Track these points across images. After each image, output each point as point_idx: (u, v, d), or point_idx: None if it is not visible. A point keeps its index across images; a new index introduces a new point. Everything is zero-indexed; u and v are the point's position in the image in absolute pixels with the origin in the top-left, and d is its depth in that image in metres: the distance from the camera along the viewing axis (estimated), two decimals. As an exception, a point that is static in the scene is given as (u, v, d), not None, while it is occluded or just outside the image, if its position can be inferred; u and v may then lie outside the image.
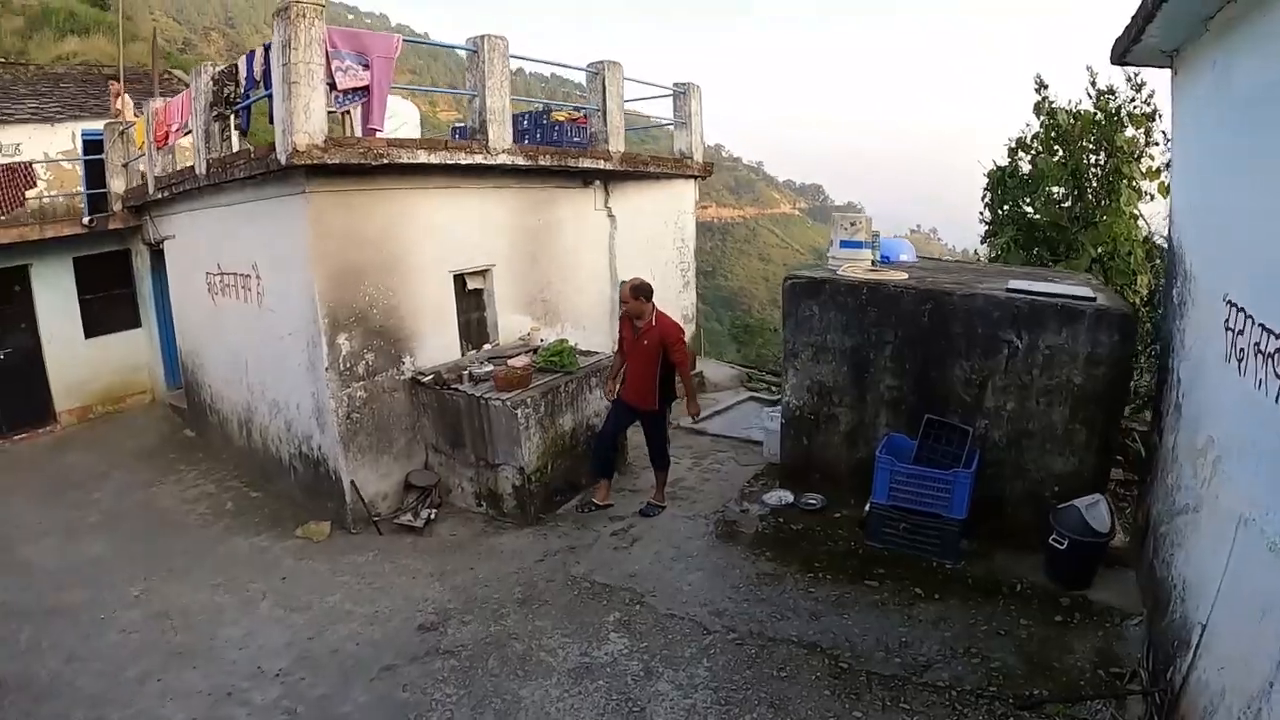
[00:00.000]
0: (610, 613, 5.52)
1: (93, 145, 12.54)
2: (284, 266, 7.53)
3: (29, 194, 11.38)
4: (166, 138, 9.50)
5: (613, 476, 7.54)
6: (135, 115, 12.09)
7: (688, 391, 7.02)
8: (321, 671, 5.14)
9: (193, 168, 8.51)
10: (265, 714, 4.75)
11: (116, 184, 11.77)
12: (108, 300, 12.40)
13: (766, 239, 76.00)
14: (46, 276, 11.71)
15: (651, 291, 6.93)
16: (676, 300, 11.79)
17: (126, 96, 12.31)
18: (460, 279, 8.45)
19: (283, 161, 6.46)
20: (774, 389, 11.62)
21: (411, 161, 7.20)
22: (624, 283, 7.06)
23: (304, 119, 6.36)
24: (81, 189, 12.26)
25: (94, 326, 12.24)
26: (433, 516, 7.44)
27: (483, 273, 8.74)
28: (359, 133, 7.49)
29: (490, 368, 7.60)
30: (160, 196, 9.83)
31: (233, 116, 8.16)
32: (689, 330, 11.90)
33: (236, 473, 9.25)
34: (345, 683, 4.98)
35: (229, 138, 8.21)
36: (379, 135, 7.20)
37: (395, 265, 7.59)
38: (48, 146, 13.39)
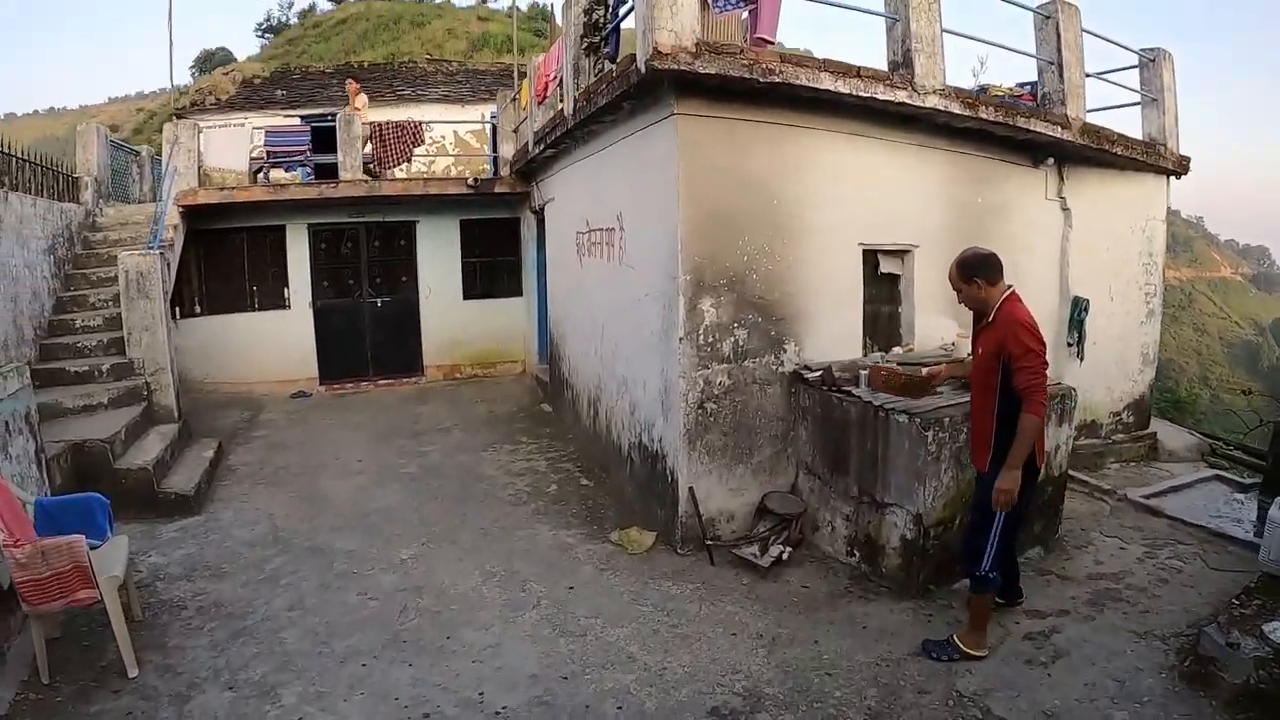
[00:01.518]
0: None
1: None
2: (647, 212, 6.21)
3: (416, 151, 11.73)
4: (545, 89, 9.01)
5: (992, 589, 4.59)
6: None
7: (1017, 444, 4.01)
8: (555, 731, 3.84)
9: (562, 110, 7.71)
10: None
11: (505, 149, 11.74)
12: (490, 266, 12.48)
13: (1203, 306, 65.15)
14: (432, 235, 11.99)
15: (991, 268, 4.20)
16: (1137, 333, 8.87)
17: (364, 95, 12.66)
18: (871, 257, 6.60)
19: (643, 69, 5.16)
20: (1245, 472, 8.63)
21: (812, 86, 5.49)
22: None
23: (668, 15, 5.01)
24: (487, 156, 12.80)
25: (473, 289, 12.39)
26: (784, 557, 5.58)
27: (901, 254, 6.80)
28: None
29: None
30: (538, 153, 9.22)
31: (602, 45, 7.22)
32: (1145, 376, 8.97)
33: (575, 455, 8.35)
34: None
35: (600, 68, 7.21)
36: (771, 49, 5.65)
37: (785, 223, 5.92)
38: (457, 122, 15.05)
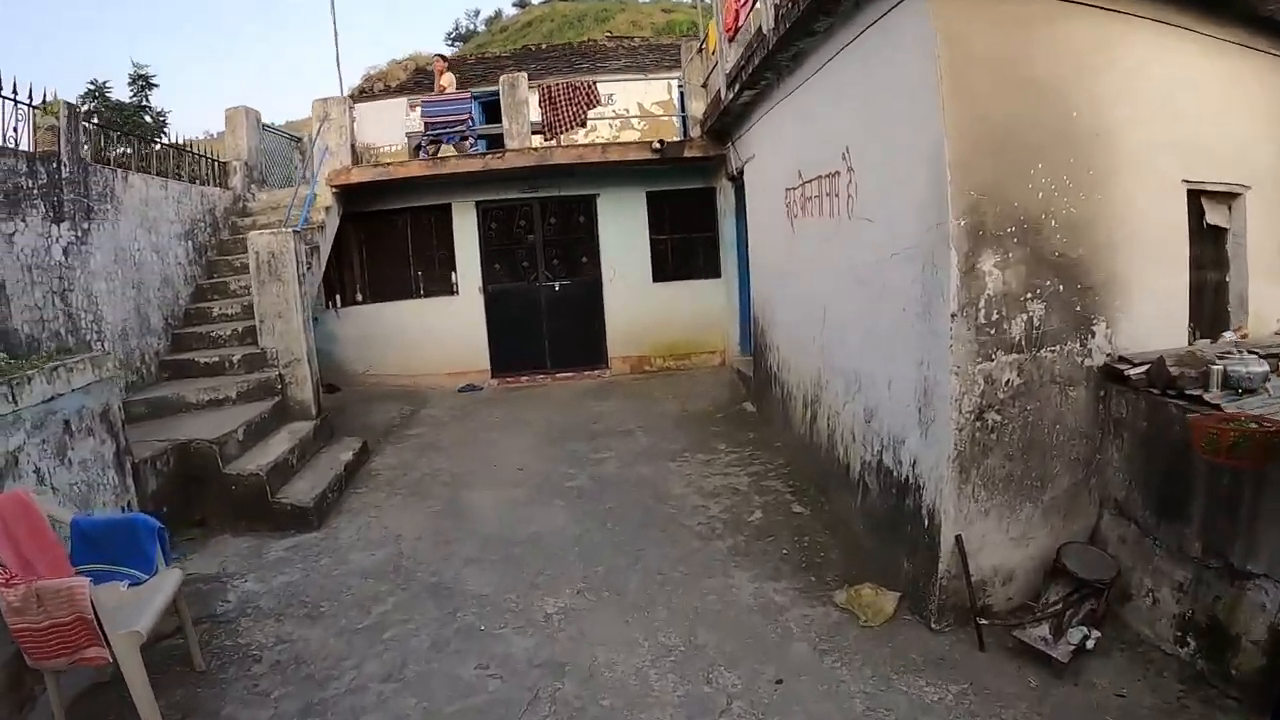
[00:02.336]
0: None
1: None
2: (891, 138, 4.45)
3: (591, 114, 10.52)
4: (736, 19, 7.34)
5: None
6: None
7: None
8: None
9: (760, 29, 6.07)
10: None
11: (695, 106, 10.22)
12: (683, 243, 11.11)
13: None
14: (615, 210, 10.79)
15: None
16: None
17: (451, 74, 11.65)
18: (1195, 202, 4.55)
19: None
20: None
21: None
22: None
23: None
24: (675, 118, 12.01)
25: (663, 270, 11.08)
26: (1089, 643, 3.65)
27: (1227, 198, 4.73)
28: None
29: (1262, 368, 3.65)
30: (732, 99, 7.64)
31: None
32: None
33: (785, 469, 6.62)
34: None
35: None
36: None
37: (1088, 146, 4.01)
38: (642, 96, 14.33)
